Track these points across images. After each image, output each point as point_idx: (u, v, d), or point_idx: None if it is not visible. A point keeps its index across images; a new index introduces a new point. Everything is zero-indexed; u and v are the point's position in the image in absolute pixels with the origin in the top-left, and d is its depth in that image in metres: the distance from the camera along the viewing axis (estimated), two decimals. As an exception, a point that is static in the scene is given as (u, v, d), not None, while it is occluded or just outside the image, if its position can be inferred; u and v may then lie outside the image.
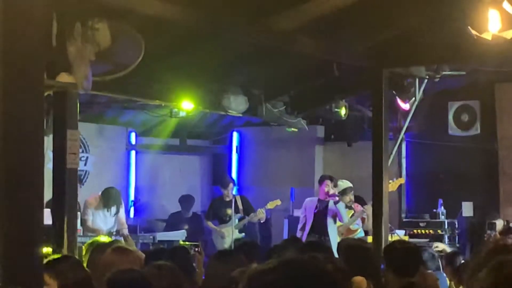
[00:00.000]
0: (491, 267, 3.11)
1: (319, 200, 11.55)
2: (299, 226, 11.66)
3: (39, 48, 3.26)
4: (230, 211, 12.08)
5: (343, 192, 11.58)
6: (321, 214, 11.42)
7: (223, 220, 12.28)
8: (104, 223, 11.13)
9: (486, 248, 4.45)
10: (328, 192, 11.40)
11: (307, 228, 11.45)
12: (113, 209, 11.19)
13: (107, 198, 11.21)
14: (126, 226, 11.23)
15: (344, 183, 11.66)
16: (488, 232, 10.95)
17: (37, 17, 3.32)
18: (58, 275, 4.72)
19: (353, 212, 11.48)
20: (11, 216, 3.06)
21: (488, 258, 4.18)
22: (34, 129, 3.14)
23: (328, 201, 11.42)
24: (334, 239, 10.99)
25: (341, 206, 11.35)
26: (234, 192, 12.59)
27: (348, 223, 11.40)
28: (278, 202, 12.20)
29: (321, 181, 11.64)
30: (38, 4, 3.33)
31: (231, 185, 12.50)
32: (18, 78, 3.11)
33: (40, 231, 3.15)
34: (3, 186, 3.12)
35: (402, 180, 11.85)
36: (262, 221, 12.48)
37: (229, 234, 12.07)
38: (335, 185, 11.56)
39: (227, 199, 12.22)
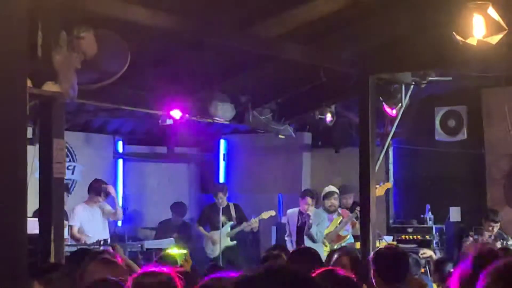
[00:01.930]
0: (496, 273, 3.10)
1: (300, 212, 11.52)
2: (287, 233, 11.69)
3: (22, 57, 3.24)
4: (223, 218, 12.06)
5: (325, 196, 11.58)
6: (302, 229, 11.44)
7: (215, 226, 12.25)
8: (91, 228, 11.01)
9: (472, 254, 4.45)
10: (305, 210, 11.43)
11: (293, 240, 11.48)
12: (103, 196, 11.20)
13: (95, 187, 11.19)
14: (120, 214, 11.29)
15: (328, 188, 11.64)
16: (475, 237, 10.96)
17: (21, 26, 3.30)
18: (47, 283, 4.73)
19: (341, 218, 11.45)
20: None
21: (475, 263, 4.19)
22: (18, 139, 3.13)
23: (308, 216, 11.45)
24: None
25: (313, 230, 11.35)
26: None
27: (337, 229, 11.37)
28: (273, 213, 12.21)
29: (303, 196, 11.59)
30: (23, 13, 3.31)
31: (219, 193, 12.45)
32: (1, 87, 3.10)
33: (24, 241, 3.13)
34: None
35: (390, 185, 11.84)
36: (255, 231, 12.48)
37: (220, 241, 12.05)
38: (317, 201, 11.62)
39: (220, 206, 12.18)
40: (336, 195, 11.59)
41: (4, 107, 3.08)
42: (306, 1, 7.66)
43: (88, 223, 11.01)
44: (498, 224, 11.05)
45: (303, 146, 14.19)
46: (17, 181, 3.10)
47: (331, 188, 11.66)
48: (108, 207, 11.35)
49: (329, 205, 11.54)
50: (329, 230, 11.44)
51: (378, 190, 11.58)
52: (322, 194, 11.65)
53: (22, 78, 3.21)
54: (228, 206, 12.34)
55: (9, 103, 3.08)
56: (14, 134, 3.10)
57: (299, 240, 11.35)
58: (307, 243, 11.27)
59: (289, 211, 11.85)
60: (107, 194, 11.22)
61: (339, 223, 11.41)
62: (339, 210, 11.59)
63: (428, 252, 9.94)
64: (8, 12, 3.24)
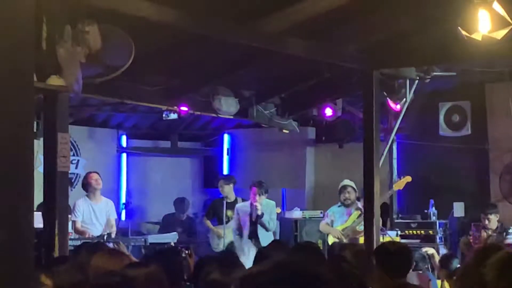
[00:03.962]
0: (495, 264, 3.11)
1: (251, 204, 11.45)
2: (234, 228, 11.66)
3: (28, 51, 3.24)
4: (230, 213, 12.03)
5: (339, 191, 11.53)
6: (255, 220, 11.40)
7: (222, 221, 12.23)
8: (93, 220, 10.97)
9: (476, 249, 4.46)
10: (254, 200, 11.40)
11: (245, 233, 11.42)
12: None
13: (86, 179, 11.14)
14: (115, 229, 11.11)
15: (343, 182, 11.55)
16: (475, 234, 10.94)
17: (26, 20, 3.30)
18: (55, 276, 4.75)
19: (359, 213, 11.30)
20: (2, 220, 3.04)
21: (478, 258, 4.19)
22: (24, 132, 3.12)
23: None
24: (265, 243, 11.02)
25: (264, 219, 11.34)
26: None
27: (354, 224, 11.30)
28: (278, 210, 12.18)
29: (250, 187, 11.56)
30: (27, 7, 3.31)
31: (220, 181, 12.42)
32: (7, 80, 3.10)
33: (30, 235, 3.13)
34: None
35: (409, 178, 11.62)
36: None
37: (226, 236, 12.03)
38: (266, 191, 11.54)
39: (229, 201, 12.16)
40: (350, 188, 11.46)
41: (11, 101, 3.08)
42: (310, -5, 7.65)
43: (88, 216, 10.98)
44: (493, 216, 11.03)
45: (307, 141, 14.18)
46: (23, 175, 3.09)
47: (346, 182, 11.54)
48: (113, 212, 11.26)
49: (343, 199, 11.48)
50: (346, 225, 11.37)
51: (398, 184, 11.55)
52: (338, 189, 11.60)
53: (28, 72, 3.21)
54: (235, 200, 12.30)
55: (16, 97, 3.08)
56: (21, 129, 3.10)
57: (253, 231, 11.37)
58: (261, 232, 11.29)
59: (239, 204, 11.80)
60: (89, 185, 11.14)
61: (357, 217, 11.29)
62: (359, 204, 11.42)
63: (430, 250, 9.94)
64: (13, 5, 3.23)
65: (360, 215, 11.19)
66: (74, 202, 10.91)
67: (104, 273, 4.38)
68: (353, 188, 11.50)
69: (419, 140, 12.74)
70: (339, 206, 11.57)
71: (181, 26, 7.38)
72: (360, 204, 11.40)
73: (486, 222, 10.96)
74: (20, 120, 3.06)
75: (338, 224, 11.45)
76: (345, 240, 11.11)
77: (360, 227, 11.14)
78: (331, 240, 11.35)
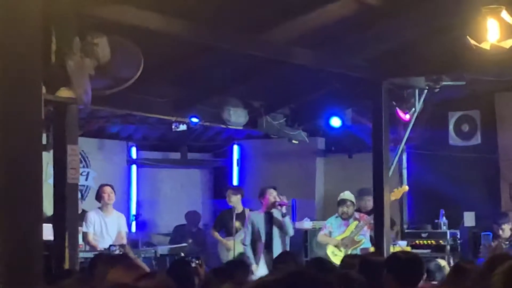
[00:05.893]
0: (502, 275, 3.10)
1: (264, 213, 11.14)
2: (244, 240, 11.26)
3: (37, 64, 3.25)
4: (237, 224, 11.96)
5: (338, 203, 11.49)
6: (269, 227, 11.08)
7: (230, 232, 12.16)
8: (103, 233, 10.94)
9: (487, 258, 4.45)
10: (274, 201, 11.07)
11: (261, 244, 11.07)
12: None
13: (99, 192, 11.08)
14: (125, 241, 11.05)
15: (342, 195, 11.53)
16: (495, 242, 10.91)
17: (34, 33, 3.31)
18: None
19: (357, 223, 11.30)
20: (11, 232, 3.05)
21: (487, 268, 4.18)
22: (33, 145, 3.13)
23: (272, 212, 11.10)
24: (278, 250, 10.82)
25: (287, 219, 11.08)
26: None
27: (353, 234, 11.29)
28: None
29: (263, 193, 11.29)
30: (36, 19, 3.32)
31: (228, 190, 12.35)
32: (16, 93, 3.11)
33: (39, 247, 3.14)
34: (2, 202, 3.11)
35: (406, 188, 11.66)
36: None
37: (234, 247, 11.96)
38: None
39: (237, 212, 12.08)
40: (349, 202, 11.43)
41: (20, 113, 3.09)
42: (318, 6, 7.66)
43: (99, 229, 10.94)
44: (506, 226, 10.98)
45: (316, 151, 14.17)
46: (32, 187, 3.10)
47: (345, 195, 11.48)
48: (124, 225, 11.17)
49: (341, 213, 11.44)
50: (344, 235, 11.36)
51: (395, 194, 11.53)
52: (337, 200, 11.57)
53: (37, 84, 3.22)
54: (243, 211, 12.23)
55: (24, 109, 3.09)
56: (29, 141, 3.11)
57: (268, 241, 11.02)
58: (275, 239, 11.02)
59: (253, 213, 11.42)
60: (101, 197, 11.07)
61: (355, 227, 11.30)
62: (356, 214, 11.42)
63: (442, 263, 9.89)
64: (23, 18, 3.25)
65: (357, 225, 11.22)
66: (86, 213, 10.88)
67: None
68: (352, 202, 11.46)
69: (428, 149, 12.72)
70: (336, 217, 11.55)
71: (190, 37, 7.41)
72: (357, 214, 11.42)
73: (500, 232, 10.93)
74: (29, 132, 3.07)
75: (336, 234, 11.42)
76: (342, 250, 11.12)
77: (359, 237, 11.18)
78: (330, 250, 11.31)
